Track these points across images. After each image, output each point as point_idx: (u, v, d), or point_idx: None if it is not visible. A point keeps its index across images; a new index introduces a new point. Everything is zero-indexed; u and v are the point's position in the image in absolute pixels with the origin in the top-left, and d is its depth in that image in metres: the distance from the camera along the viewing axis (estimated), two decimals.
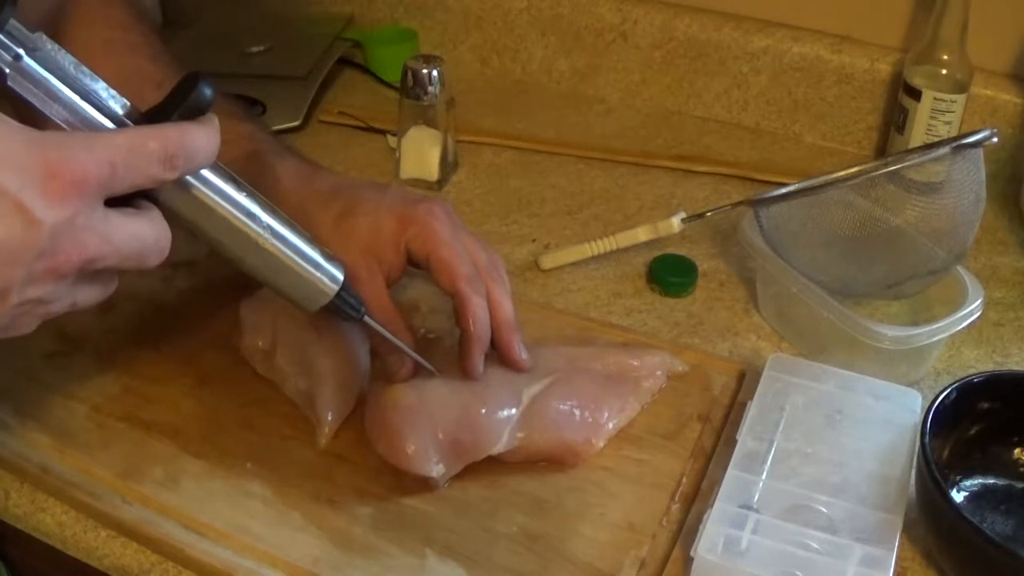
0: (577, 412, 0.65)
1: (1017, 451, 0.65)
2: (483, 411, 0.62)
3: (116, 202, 0.46)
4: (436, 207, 0.65)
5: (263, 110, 1.05)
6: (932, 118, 0.92)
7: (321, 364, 0.66)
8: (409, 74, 0.92)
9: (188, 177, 0.50)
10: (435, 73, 0.92)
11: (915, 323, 0.76)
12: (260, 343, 0.70)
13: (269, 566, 0.58)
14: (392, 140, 1.02)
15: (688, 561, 0.57)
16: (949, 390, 0.62)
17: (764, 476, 0.61)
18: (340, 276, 0.59)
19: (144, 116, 0.49)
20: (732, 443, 0.64)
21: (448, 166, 0.98)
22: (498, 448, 0.63)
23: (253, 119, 0.75)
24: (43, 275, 0.45)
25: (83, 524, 0.62)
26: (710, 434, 0.67)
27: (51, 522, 0.63)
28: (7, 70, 0.45)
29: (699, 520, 0.58)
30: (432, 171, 0.96)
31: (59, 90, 0.46)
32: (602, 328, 0.77)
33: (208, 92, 0.48)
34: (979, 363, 0.76)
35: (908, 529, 0.60)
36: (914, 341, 0.69)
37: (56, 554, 0.64)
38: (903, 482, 0.60)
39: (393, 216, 0.64)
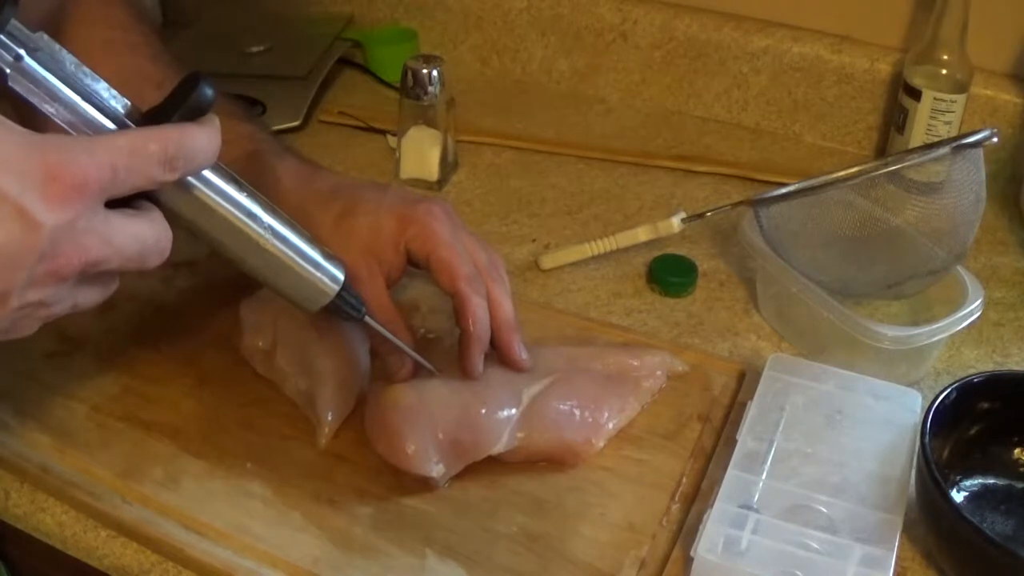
0: (577, 412, 0.65)
1: (1017, 451, 0.65)
2: (483, 411, 0.62)
3: (117, 203, 0.46)
4: (436, 207, 0.65)
5: (263, 110, 1.05)
6: (932, 118, 0.92)
7: (321, 364, 0.67)
8: (409, 74, 0.92)
9: (189, 178, 0.50)
10: (435, 73, 0.92)
11: (915, 323, 0.76)
12: (260, 343, 0.70)
13: (269, 566, 0.58)
14: (392, 140, 1.02)
15: (688, 561, 0.57)
16: (949, 390, 0.62)
17: (764, 476, 0.61)
18: (341, 276, 0.59)
19: (145, 116, 0.49)
20: (732, 443, 0.64)
21: (448, 166, 0.98)
22: (498, 448, 0.63)
23: (253, 119, 0.75)
24: (44, 278, 0.44)
25: (83, 524, 0.62)
26: (710, 434, 0.67)
27: (51, 522, 0.63)
28: (8, 70, 0.45)
29: (699, 520, 0.59)
30: (432, 171, 0.96)
31: (60, 90, 0.46)
32: (602, 328, 0.77)
33: (209, 93, 0.48)
34: (979, 363, 0.76)
35: (908, 529, 0.60)
36: (914, 341, 0.70)
37: (56, 554, 0.64)
38: (903, 482, 0.61)
39: (393, 216, 0.64)
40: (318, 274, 0.58)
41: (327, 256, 0.59)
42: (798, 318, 0.76)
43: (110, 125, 0.47)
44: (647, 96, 1.12)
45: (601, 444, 0.65)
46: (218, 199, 0.52)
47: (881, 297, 0.78)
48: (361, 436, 0.64)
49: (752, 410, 0.66)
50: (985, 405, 0.64)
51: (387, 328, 0.63)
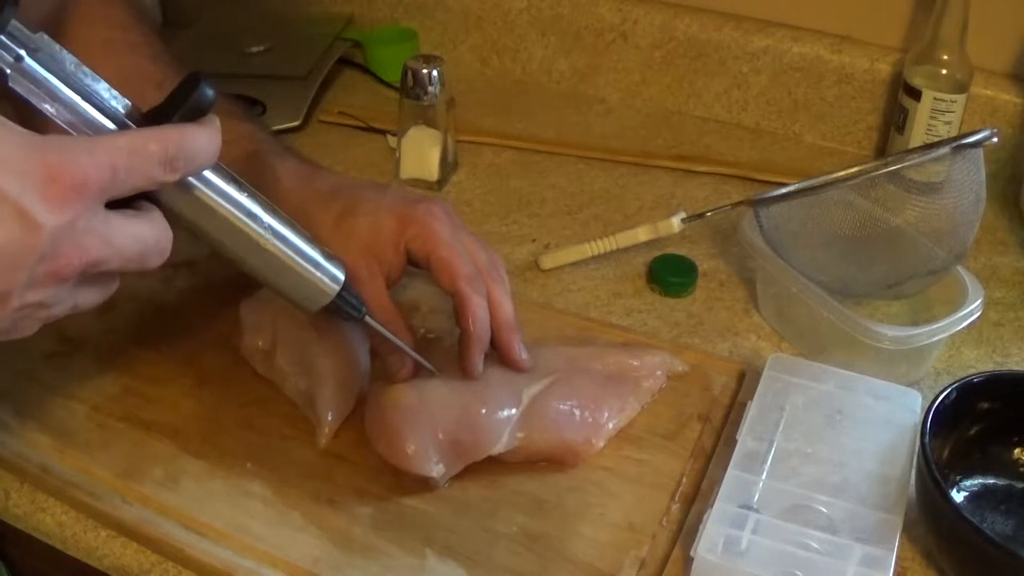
0: (577, 412, 0.65)
1: (1017, 451, 0.65)
2: (483, 411, 0.62)
3: (117, 204, 0.46)
4: (436, 207, 0.65)
5: (263, 110, 1.05)
6: (932, 118, 0.92)
7: (321, 364, 0.67)
8: (409, 74, 0.92)
9: (189, 178, 0.50)
10: (435, 73, 0.92)
11: (915, 323, 0.76)
12: (260, 343, 0.70)
13: (269, 566, 0.58)
14: (392, 140, 1.02)
15: (688, 561, 0.57)
16: (949, 390, 0.62)
17: (764, 476, 0.61)
18: (341, 276, 0.59)
19: (145, 117, 0.49)
20: (732, 443, 0.64)
21: (448, 166, 0.98)
22: (498, 448, 0.63)
23: (253, 119, 0.75)
24: (44, 279, 0.44)
25: (83, 524, 0.62)
26: (710, 434, 0.67)
27: (51, 522, 0.63)
28: (8, 71, 0.45)
29: (699, 520, 0.59)
30: (432, 171, 0.96)
31: (60, 91, 0.46)
32: (602, 328, 0.77)
33: (210, 93, 0.48)
34: (979, 363, 0.76)
35: (908, 529, 0.60)
36: (914, 341, 0.70)
37: (56, 554, 0.64)
38: (903, 482, 0.61)
39: (393, 216, 0.64)
40: (318, 274, 0.58)
41: (327, 256, 0.59)
42: (798, 318, 0.76)
43: (110, 125, 0.47)
44: (647, 96, 1.12)
45: (601, 444, 0.65)
46: (218, 199, 0.52)
47: (881, 297, 0.78)
48: (361, 436, 0.64)
49: (752, 410, 0.66)
50: (985, 405, 0.64)
51: (387, 328, 0.63)
